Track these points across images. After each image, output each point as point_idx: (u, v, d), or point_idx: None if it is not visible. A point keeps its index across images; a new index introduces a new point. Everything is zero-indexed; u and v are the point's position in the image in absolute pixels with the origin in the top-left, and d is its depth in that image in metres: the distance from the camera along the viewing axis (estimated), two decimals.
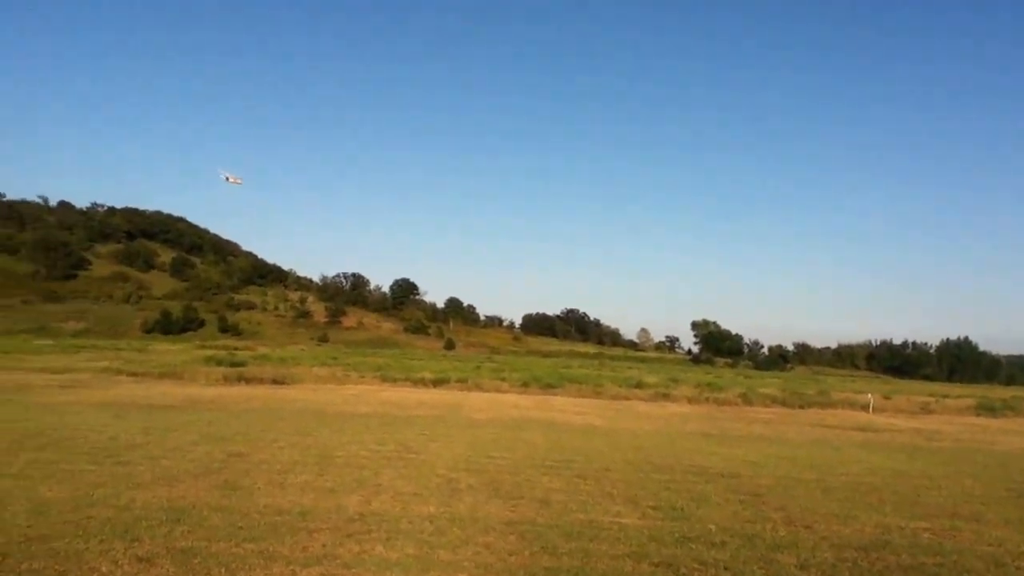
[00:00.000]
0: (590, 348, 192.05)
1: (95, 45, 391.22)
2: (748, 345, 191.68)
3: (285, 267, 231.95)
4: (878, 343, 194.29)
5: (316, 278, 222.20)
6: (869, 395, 44.52)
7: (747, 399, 40.01)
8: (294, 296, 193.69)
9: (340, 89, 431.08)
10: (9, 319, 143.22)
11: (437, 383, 41.33)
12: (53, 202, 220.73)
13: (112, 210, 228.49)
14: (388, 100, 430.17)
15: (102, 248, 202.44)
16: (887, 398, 46.11)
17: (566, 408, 31.31)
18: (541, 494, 11.98)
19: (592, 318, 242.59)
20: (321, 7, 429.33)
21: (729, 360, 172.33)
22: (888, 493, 13.70)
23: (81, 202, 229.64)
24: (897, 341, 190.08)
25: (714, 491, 13.06)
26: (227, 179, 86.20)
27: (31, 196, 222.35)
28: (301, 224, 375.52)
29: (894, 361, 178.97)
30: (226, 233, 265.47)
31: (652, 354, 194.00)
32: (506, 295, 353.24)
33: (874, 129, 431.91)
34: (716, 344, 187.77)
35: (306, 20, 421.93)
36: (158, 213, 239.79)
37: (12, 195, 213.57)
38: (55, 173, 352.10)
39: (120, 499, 10.09)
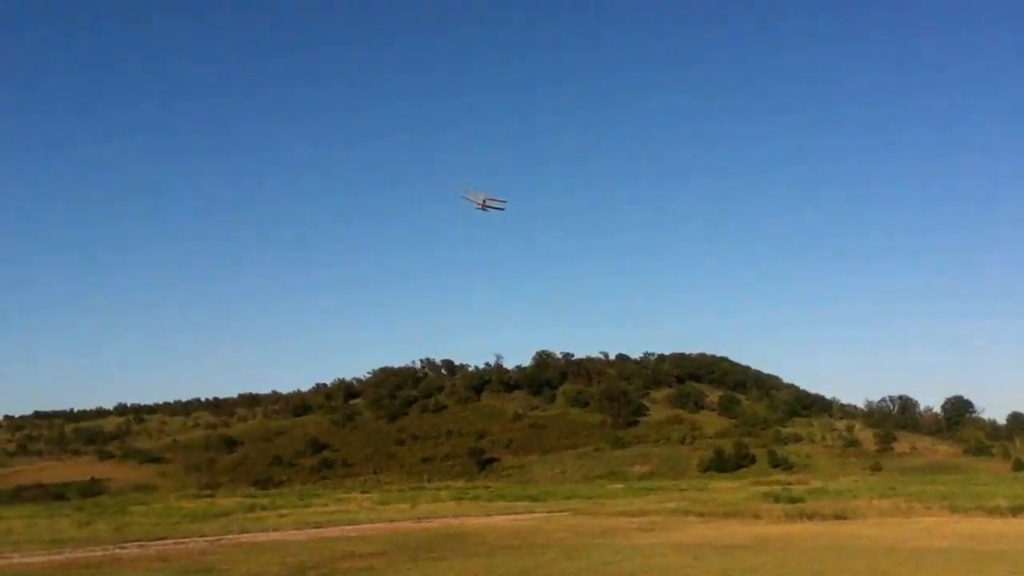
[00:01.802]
0: None
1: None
2: None
3: (827, 396, 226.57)
4: None
5: (860, 404, 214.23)
6: None
7: None
8: (840, 425, 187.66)
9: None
10: (586, 466, 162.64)
11: (1015, 511, 36.65)
12: (612, 355, 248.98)
13: (662, 357, 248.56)
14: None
15: (656, 393, 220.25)
16: None
17: None
18: None
19: None
20: None
21: None
22: None
23: (635, 353, 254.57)
24: None
25: None
26: (483, 203, 57.32)
27: (594, 352, 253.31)
28: (839, 351, 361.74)
29: None
30: (767, 367, 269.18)
31: None
32: None
33: None
34: None
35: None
36: (702, 355, 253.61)
37: (579, 354, 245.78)
38: (613, 330, 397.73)
39: None
